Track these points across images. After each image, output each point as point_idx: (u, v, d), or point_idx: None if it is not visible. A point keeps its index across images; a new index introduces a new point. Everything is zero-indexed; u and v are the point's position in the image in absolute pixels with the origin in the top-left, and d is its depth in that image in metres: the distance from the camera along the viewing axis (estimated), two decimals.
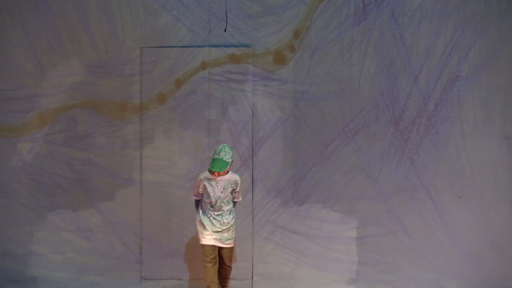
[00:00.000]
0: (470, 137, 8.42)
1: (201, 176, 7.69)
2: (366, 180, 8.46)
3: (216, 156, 7.50)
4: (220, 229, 7.69)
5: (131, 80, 8.48)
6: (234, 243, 7.87)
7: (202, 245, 7.72)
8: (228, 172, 7.68)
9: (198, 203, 7.84)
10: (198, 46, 8.41)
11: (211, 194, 7.64)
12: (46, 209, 8.53)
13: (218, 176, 7.59)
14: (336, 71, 8.44)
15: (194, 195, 7.82)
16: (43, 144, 8.51)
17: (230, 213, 7.74)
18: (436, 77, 8.42)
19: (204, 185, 7.65)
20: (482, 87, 8.40)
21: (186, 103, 8.48)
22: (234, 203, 7.89)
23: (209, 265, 7.67)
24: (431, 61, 8.39)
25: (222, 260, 7.87)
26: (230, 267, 7.94)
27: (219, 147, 7.56)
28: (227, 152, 7.53)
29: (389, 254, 8.49)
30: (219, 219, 7.67)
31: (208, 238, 7.68)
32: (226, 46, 8.41)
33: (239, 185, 7.76)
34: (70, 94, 8.47)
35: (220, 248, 7.79)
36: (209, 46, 8.42)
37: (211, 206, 7.67)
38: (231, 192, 7.73)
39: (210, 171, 7.59)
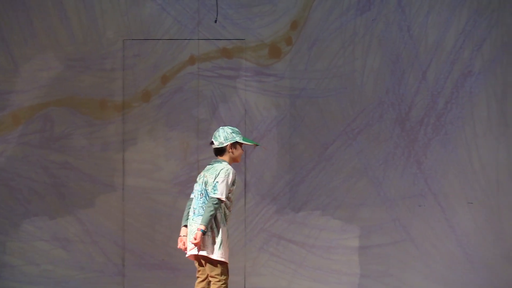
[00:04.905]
0: (483, 138, 8.40)
1: (234, 171, 6.31)
2: (369, 185, 8.46)
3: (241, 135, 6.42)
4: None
5: (113, 75, 8.51)
6: None
7: (227, 263, 6.37)
8: None
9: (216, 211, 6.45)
10: (186, 39, 8.46)
11: (235, 192, 6.46)
12: (20, 217, 8.55)
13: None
14: (337, 66, 8.45)
15: (225, 199, 6.22)
16: (16, 146, 8.53)
17: None
18: (446, 73, 8.40)
19: (235, 183, 6.39)
20: (496, 83, 8.39)
21: (173, 101, 8.48)
22: None
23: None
24: (440, 55, 8.39)
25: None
26: None
27: (228, 130, 6.34)
28: None
29: (394, 265, 8.48)
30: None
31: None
32: (216, 38, 8.47)
33: None
34: (45, 91, 8.50)
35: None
36: (198, 39, 8.47)
37: (229, 211, 6.40)
38: None
39: (234, 160, 6.35)
